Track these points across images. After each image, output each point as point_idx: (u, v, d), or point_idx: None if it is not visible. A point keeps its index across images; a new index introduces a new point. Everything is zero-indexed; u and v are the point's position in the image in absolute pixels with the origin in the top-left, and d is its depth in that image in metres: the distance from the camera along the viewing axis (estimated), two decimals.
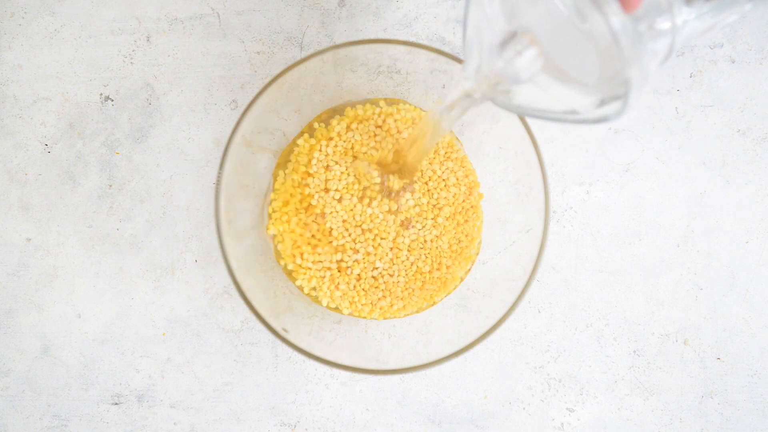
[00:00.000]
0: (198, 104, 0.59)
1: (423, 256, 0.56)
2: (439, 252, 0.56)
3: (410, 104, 0.58)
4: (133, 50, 0.59)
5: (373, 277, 0.56)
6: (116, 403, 0.59)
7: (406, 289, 0.56)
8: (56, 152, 0.59)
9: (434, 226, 0.56)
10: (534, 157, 0.53)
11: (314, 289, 0.56)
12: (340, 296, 0.56)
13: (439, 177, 0.56)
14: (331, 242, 0.56)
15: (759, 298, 0.59)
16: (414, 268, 0.56)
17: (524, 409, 0.59)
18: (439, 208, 0.56)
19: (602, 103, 0.36)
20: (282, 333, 0.53)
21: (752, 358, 0.59)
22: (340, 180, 0.56)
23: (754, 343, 0.59)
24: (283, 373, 0.59)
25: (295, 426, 0.59)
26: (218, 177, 0.52)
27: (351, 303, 0.56)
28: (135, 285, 0.59)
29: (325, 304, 0.57)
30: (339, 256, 0.56)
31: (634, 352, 0.59)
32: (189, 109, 0.59)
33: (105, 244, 0.59)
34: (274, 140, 0.57)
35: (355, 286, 0.56)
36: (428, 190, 0.56)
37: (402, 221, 0.56)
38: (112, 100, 0.59)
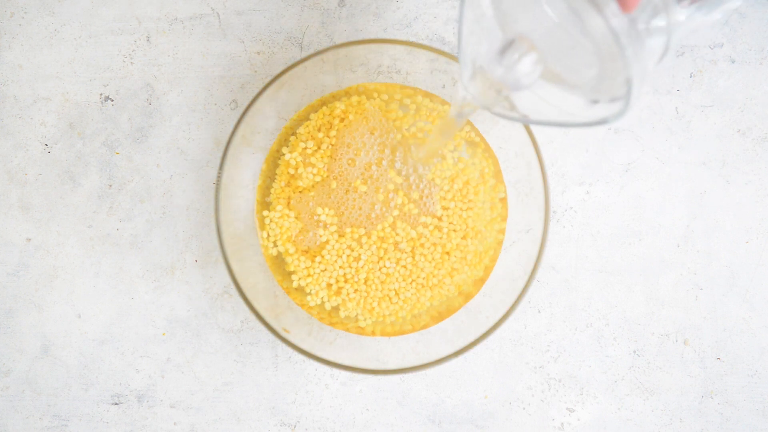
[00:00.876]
0: (198, 104, 0.59)
1: (437, 254, 0.56)
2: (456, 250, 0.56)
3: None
4: (133, 50, 0.59)
5: (384, 274, 0.56)
6: (116, 403, 0.59)
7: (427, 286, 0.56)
8: (56, 152, 0.59)
9: (459, 220, 0.56)
10: (534, 157, 0.53)
11: (322, 299, 0.56)
12: (354, 306, 0.56)
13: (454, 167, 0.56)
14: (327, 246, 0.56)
15: (759, 298, 0.59)
16: (429, 267, 0.56)
17: (524, 409, 0.59)
18: (454, 203, 0.56)
19: (601, 104, 0.36)
20: (282, 333, 0.52)
21: (752, 358, 0.59)
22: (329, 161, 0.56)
23: (754, 343, 0.59)
24: (283, 373, 0.59)
25: (295, 426, 0.59)
26: (218, 177, 0.52)
27: (370, 311, 0.56)
28: (135, 285, 0.59)
29: (318, 306, 0.57)
30: (343, 264, 0.56)
31: (634, 352, 0.59)
32: (189, 109, 0.59)
33: (105, 244, 0.59)
34: (274, 140, 0.57)
35: (368, 292, 0.56)
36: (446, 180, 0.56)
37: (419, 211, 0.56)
38: (112, 100, 0.59)
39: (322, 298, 0.56)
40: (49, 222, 0.59)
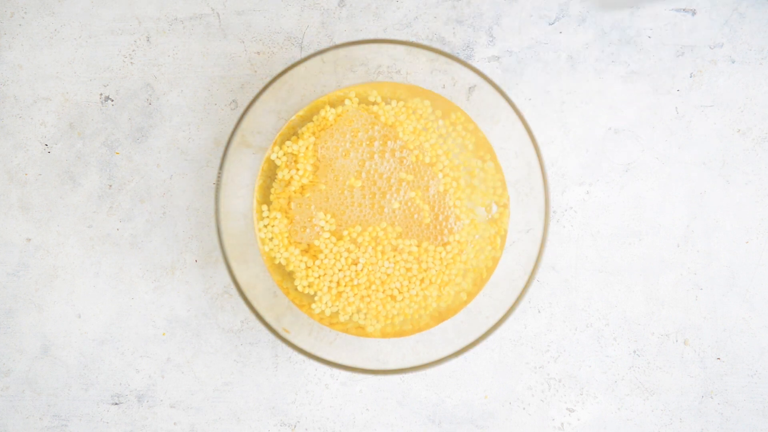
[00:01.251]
0: (198, 104, 0.59)
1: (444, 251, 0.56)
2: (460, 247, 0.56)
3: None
4: (133, 50, 0.59)
5: (384, 274, 0.56)
6: (116, 403, 0.59)
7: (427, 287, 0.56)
8: (56, 152, 0.59)
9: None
10: (534, 157, 0.53)
11: (327, 305, 0.56)
12: (354, 310, 0.56)
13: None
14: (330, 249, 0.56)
15: (759, 298, 0.59)
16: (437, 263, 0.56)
17: (524, 409, 0.59)
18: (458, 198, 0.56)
19: None
20: (282, 333, 0.52)
21: (752, 358, 0.59)
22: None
23: (754, 343, 0.59)
24: (283, 373, 0.59)
25: (295, 426, 0.59)
26: (218, 177, 0.52)
27: (375, 315, 0.56)
28: (135, 285, 0.59)
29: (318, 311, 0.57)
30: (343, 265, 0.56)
31: (634, 352, 0.59)
32: (189, 109, 0.59)
33: (105, 244, 0.59)
34: (274, 140, 0.57)
35: (370, 296, 0.56)
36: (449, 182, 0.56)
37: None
38: (112, 100, 0.59)
39: (326, 303, 0.56)
40: (49, 222, 0.59)
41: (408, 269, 0.56)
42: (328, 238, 0.55)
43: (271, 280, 0.57)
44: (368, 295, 0.56)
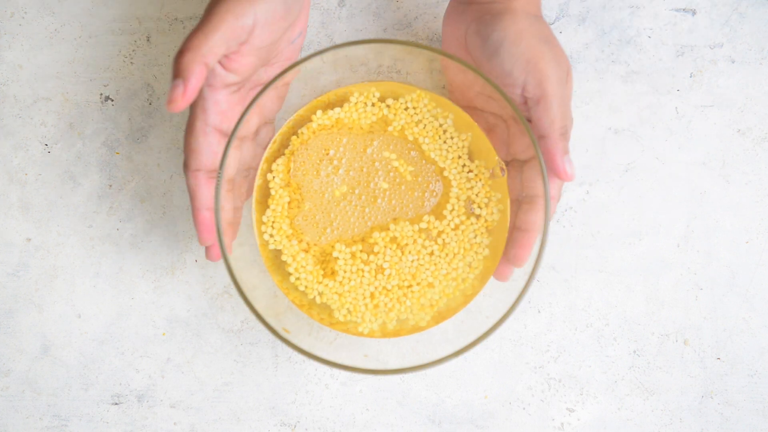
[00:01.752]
0: None
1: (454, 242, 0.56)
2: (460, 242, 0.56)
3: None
4: (133, 50, 0.59)
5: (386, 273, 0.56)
6: (116, 403, 0.59)
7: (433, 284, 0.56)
8: (56, 152, 0.59)
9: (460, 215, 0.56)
10: (534, 157, 0.53)
11: (349, 312, 0.56)
12: (371, 317, 0.56)
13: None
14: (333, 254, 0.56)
15: (759, 298, 0.59)
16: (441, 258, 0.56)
17: (524, 409, 0.59)
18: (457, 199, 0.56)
19: None
20: (282, 333, 0.52)
21: (752, 358, 0.59)
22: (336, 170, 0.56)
23: (754, 343, 0.59)
24: (283, 373, 0.59)
25: (295, 426, 0.59)
26: (218, 177, 0.52)
27: (388, 321, 0.56)
28: (135, 285, 0.59)
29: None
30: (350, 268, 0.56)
31: (634, 352, 0.59)
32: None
33: (105, 244, 0.59)
34: (274, 140, 0.57)
35: (386, 304, 0.56)
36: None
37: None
38: (112, 100, 0.59)
39: (369, 320, 0.56)
40: (49, 222, 0.59)
41: (430, 253, 0.55)
42: (345, 261, 0.55)
43: (271, 280, 0.57)
44: (405, 294, 0.55)
